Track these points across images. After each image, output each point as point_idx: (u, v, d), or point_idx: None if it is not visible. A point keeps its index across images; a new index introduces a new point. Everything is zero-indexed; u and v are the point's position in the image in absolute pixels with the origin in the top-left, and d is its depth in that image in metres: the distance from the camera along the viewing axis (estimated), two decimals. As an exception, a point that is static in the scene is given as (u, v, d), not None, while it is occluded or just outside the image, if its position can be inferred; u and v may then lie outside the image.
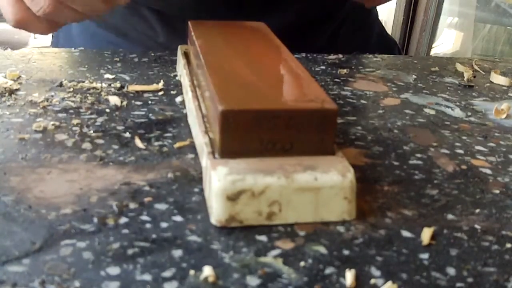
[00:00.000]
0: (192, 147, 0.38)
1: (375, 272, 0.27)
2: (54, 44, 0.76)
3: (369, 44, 0.76)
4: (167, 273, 0.26)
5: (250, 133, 0.31)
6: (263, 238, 0.29)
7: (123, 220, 0.30)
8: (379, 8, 0.80)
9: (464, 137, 0.44)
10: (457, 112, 0.49)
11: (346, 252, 0.29)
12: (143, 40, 0.68)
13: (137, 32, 0.68)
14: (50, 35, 0.75)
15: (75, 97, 0.46)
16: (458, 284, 0.27)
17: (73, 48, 0.61)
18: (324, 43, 0.71)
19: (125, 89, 0.48)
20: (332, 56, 0.63)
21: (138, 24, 0.67)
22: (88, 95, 0.46)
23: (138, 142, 0.39)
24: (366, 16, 0.77)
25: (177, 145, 0.39)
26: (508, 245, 0.30)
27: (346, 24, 0.73)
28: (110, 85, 0.49)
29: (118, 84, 0.49)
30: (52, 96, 0.45)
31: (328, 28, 0.71)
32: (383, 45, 0.79)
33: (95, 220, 0.30)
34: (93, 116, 0.42)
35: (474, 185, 0.36)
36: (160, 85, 0.49)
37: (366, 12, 0.76)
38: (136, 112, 0.44)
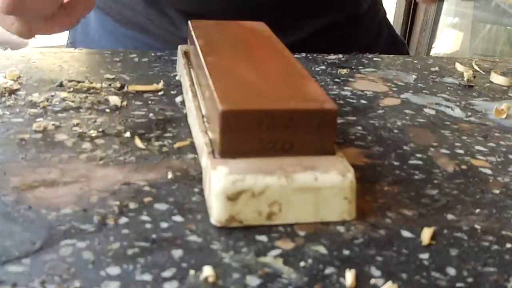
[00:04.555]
0: (192, 147, 0.38)
1: (375, 272, 0.27)
2: (72, 39, 0.77)
3: (378, 44, 0.76)
4: (167, 273, 0.26)
5: (250, 133, 0.31)
6: (263, 238, 0.29)
7: (123, 220, 0.30)
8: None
9: (464, 137, 0.44)
10: (457, 112, 0.49)
11: (346, 252, 0.29)
12: (165, 35, 0.69)
13: (159, 28, 0.69)
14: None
15: (75, 97, 0.46)
16: (458, 284, 0.27)
17: (73, 48, 0.61)
18: (332, 43, 0.71)
19: (125, 89, 0.48)
20: (332, 56, 0.63)
21: (159, 21, 0.68)
22: (88, 95, 0.46)
23: (138, 142, 0.39)
24: (373, 15, 0.77)
25: (177, 145, 0.39)
26: (508, 245, 0.30)
27: (354, 23, 0.73)
28: (110, 85, 0.49)
29: (118, 84, 0.49)
30: (52, 96, 0.45)
31: (334, 28, 0.71)
32: (393, 45, 0.79)
33: (95, 220, 0.30)
34: (93, 116, 0.42)
35: (474, 185, 0.36)
36: (160, 85, 0.49)
37: (373, 12, 0.76)
38: (136, 112, 0.44)
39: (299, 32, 0.68)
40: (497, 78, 0.60)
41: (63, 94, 0.46)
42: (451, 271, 0.28)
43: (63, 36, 0.80)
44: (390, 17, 2.13)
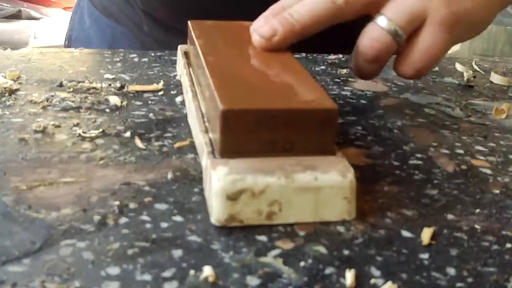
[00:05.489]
0: (192, 147, 0.38)
1: (375, 272, 0.27)
2: (71, 25, 0.82)
3: None
4: (167, 273, 0.26)
5: (250, 133, 0.31)
6: (263, 238, 0.29)
7: (123, 220, 0.30)
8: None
9: (464, 137, 0.44)
10: (457, 112, 0.49)
11: (346, 252, 0.29)
12: (133, 28, 0.73)
13: (129, 20, 0.73)
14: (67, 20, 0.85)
15: (75, 97, 0.46)
16: (458, 284, 0.27)
17: (73, 48, 0.61)
18: (333, 43, 0.71)
19: (125, 89, 0.48)
20: (332, 56, 0.63)
21: (129, 13, 0.72)
22: (88, 95, 0.46)
23: (138, 142, 0.39)
24: None
25: (177, 145, 0.39)
26: (508, 245, 0.30)
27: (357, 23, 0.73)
28: (110, 85, 0.49)
29: (118, 84, 0.49)
30: (52, 96, 0.45)
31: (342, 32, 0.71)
32: None
33: (95, 220, 0.30)
34: (93, 116, 0.42)
35: (474, 185, 0.36)
36: (160, 85, 0.49)
37: None
38: (136, 112, 0.44)
39: None
40: (497, 78, 0.60)
41: (63, 94, 0.46)
42: (451, 271, 0.28)
43: (63, 36, 0.83)
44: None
